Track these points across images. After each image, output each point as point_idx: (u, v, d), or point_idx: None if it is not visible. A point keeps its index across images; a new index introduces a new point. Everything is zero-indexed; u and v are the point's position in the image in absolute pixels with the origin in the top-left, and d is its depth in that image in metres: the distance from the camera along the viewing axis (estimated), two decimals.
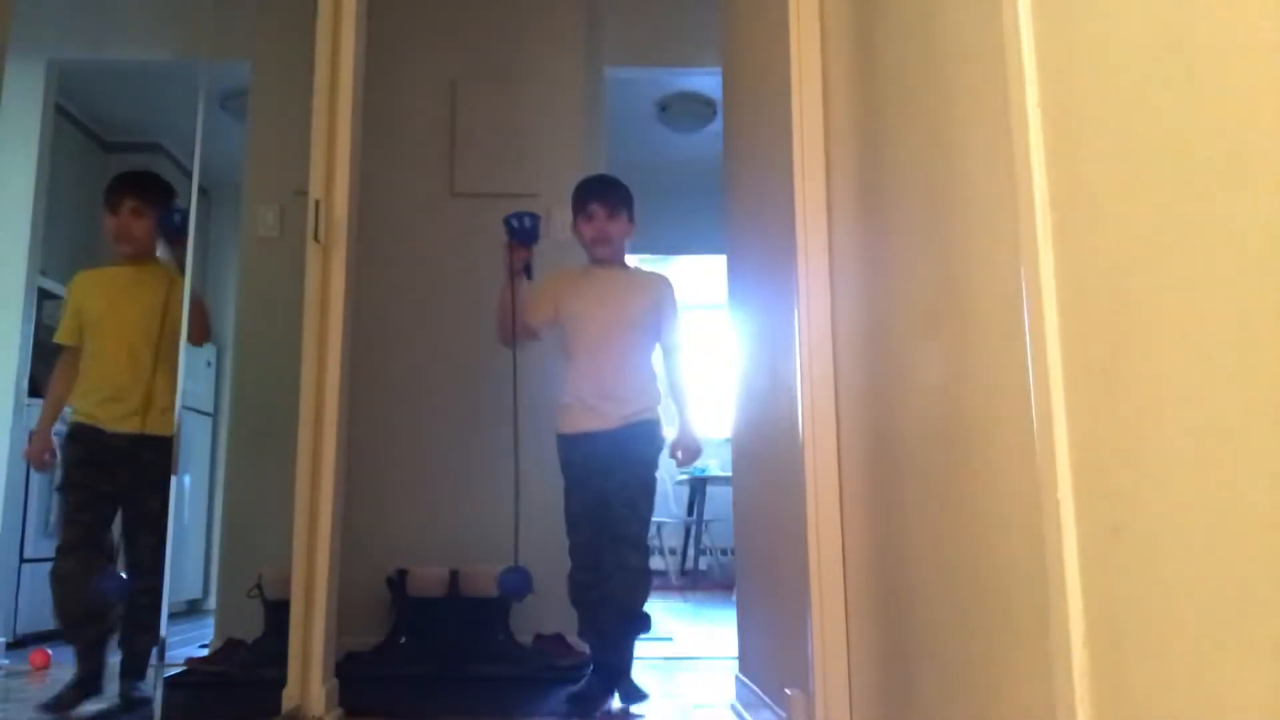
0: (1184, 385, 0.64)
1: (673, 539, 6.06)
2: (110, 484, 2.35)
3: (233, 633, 2.99)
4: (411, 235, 3.36)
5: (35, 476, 3.44)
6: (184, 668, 2.82)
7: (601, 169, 3.25)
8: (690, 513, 5.91)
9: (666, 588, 5.59)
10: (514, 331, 2.47)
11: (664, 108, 4.97)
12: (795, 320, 1.75)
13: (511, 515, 2.47)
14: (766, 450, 2.10)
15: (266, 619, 2.81)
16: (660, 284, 2.56)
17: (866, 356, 1.55)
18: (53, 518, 2.15)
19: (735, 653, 2.48)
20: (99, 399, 2.38)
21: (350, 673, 2.31)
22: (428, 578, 2.99)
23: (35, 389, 3.33)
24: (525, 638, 2.98)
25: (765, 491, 2.14)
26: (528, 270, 2.52)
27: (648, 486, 2.42)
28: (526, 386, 2.48)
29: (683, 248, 5.71)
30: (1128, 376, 0.72)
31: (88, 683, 2.28)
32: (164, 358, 2.41)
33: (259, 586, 2.83)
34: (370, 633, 2.96)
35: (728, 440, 2.65)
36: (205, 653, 3.00)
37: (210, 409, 4.79)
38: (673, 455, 2.47)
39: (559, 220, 3.03)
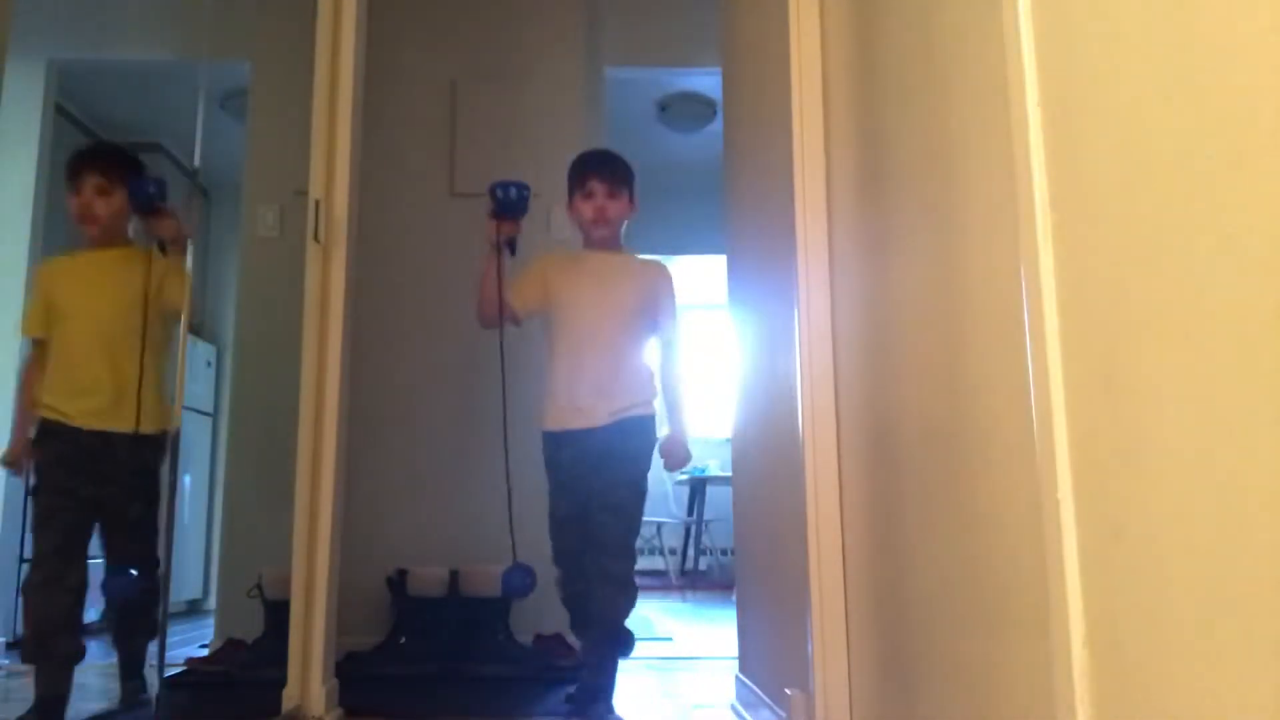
0: (1184, 385, 0.64)
1: (673, 539, 6.07)
2: (90, 486, 2.14)
3: (233, 633, 3.00)
4: (411, 235, 3.36)
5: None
6: (184, 668, 2.82)
7: None
8: (690, 513, 5.91)
9: (666, 588, 5.59)
10: (500, 313, 2.26)
11: (664, 108, 4.97)
12: (795, 320, 1.75)
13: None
14: (766, 450, 2.10)
15: (266, 619, 2.82)
16: (658, 273, 2.36)
17: (866, 356, 1.55)
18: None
19: (735, 653, 2.48)
20: (66, 393, 2.17)
21: (350, 673, 2.31)
22: (427, 578, 2.99)
23: None
24: (525, 638, 2.98)
25: (765, 491, 2.14)
26: (511, 246, 2.27)
27: (637, 486, 2.21)
28: (517, 383, 2.41)
29: (683, 248, 5.70)
30: (1127, 376, 0.72)
31: (50, 708, 2.04)
32: (151, 350, 2.21)
33: (259, 586, 2.84)
34: (370, 633, 2.96)
35: (728, 440, 2.63)
36: (205, 653, 3.01)
37: (210, 409, 4.79)
38: (661, 457, 2.26)
39: (559, 220, 3.03)
